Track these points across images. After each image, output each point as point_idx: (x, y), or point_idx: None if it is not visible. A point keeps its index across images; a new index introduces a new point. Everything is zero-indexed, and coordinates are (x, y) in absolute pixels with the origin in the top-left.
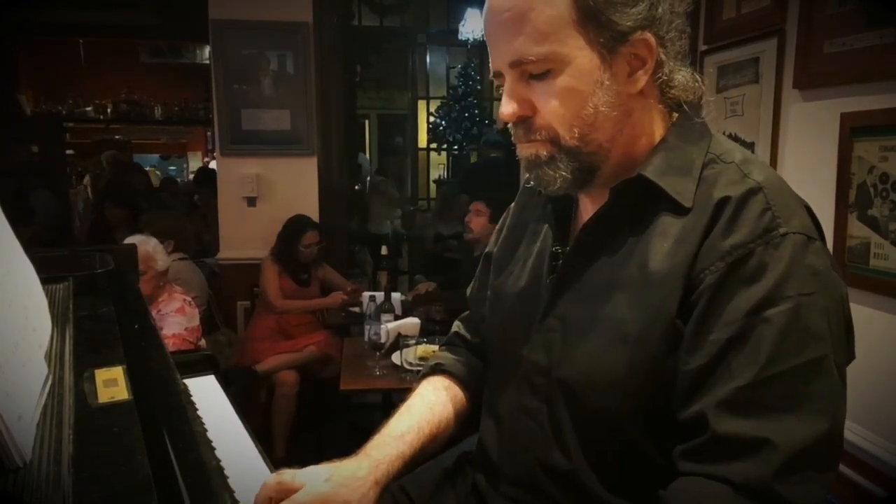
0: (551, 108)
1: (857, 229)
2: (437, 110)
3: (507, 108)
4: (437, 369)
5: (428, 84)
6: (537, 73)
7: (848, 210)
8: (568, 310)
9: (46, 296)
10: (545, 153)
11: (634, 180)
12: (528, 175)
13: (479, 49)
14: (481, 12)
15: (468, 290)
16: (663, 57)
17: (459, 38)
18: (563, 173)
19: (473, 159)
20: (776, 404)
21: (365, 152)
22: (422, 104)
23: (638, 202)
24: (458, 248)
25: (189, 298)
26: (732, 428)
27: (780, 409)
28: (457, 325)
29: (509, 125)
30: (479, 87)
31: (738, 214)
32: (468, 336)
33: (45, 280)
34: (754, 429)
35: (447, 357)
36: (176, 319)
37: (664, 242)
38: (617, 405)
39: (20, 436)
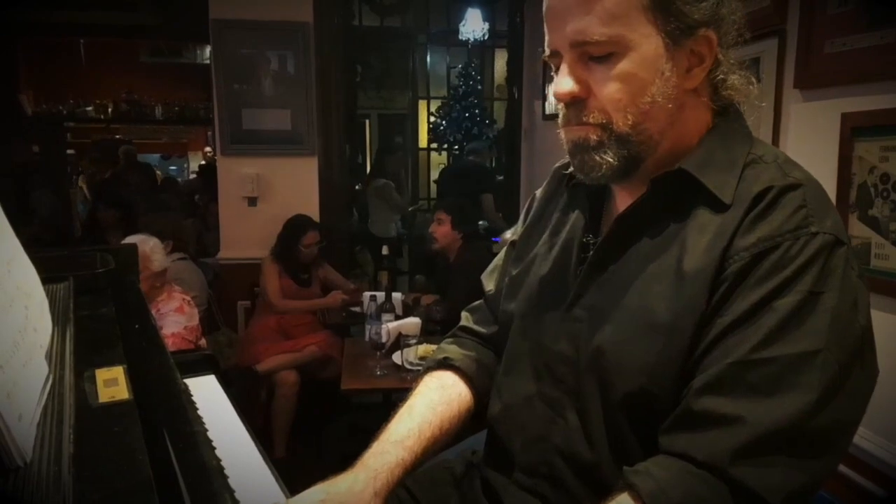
0: (609, 93)
1: (858, 229)
2: (437, 110)
3: (563, 86)
4: (444, 364)
5: (428, 84)
6: (599, 54)
7: (848, 210)
8: (596, 300)
9: (47, 295)
10: (594, 138)
11: (675, 173)
12: (571, 160)
13: (479, 49)
14: (481, 13)
15: (486, 281)
16: (721, 57)
17: (460, 38)
18: (610, 160)
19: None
20: (758, 386)
21: (365, 152)
22: (422, 104)
23: (676, 196)
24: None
25: (188, 298)
26: (708, 403)
27: (761, 392)
28: (465, 317)
29: (559, 106)
30: (479, 87)
31: (773, 207)
32: (480, 328)
33: (46, 280)
34: (729, 406)
35: (455, 351)
36: (175, 319)
37: (702, 238)
38: (647, 394)
39: (20, 436)
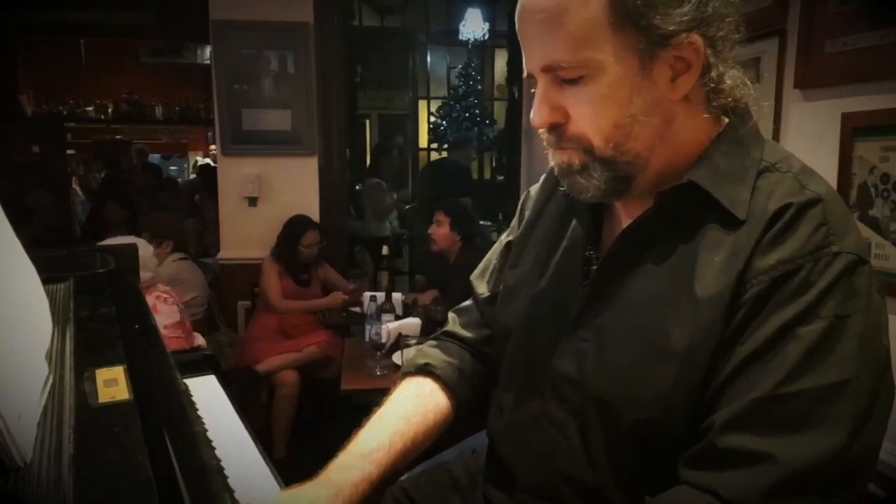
0: (585, 117)
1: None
2: (437, 110)
3: (538, 115)
4: (423, 370)
5: (428, 84)
6: (570, 78)
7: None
8: (603, 320)
9: (47, 296)
10: (578, 162)
11: (683, 187)
12: (561, 181)
13: (479, 49)
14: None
15: (478, 283)
16: (712, 60)
17: (460, 38)
18: (596, 182)
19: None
20: (787, 422)
21: (365, 152)
22: (422, 104)
23: (685, 210)
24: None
25: (164, 295)
26: (735, 440)
27: (791, 427)
28: (452, 319)
29: (540, 131)
30: (479, 87)
31: (791, 227)
32: (466, 332)
33: (46, 280)
34: (758, 443)
35: (436, 356)
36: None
37: (715, 257)
38: (659, 421)
39: (20, 436)
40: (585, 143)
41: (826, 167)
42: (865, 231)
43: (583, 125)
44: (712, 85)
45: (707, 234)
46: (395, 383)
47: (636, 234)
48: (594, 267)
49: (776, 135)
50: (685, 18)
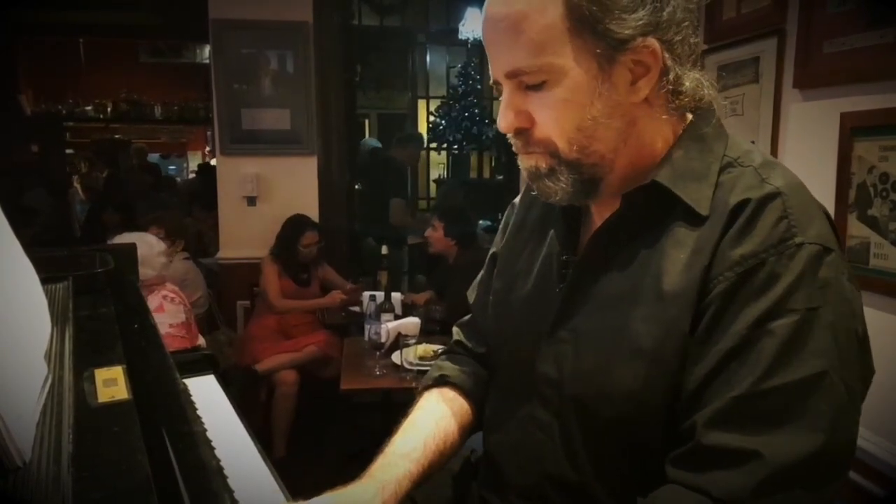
0: (549, 121)
1: (857, 229)
2: (436, 110)
3: (503, 120)
4: (440, 381)
5: (428, 84)
6: (533, 83)
7: (848, 210)
8: (580, 322)
9: (46, 295)
10: (545, 165)
11: (648, 187)
12: (532, 185)
13: (479, 49)
14: (482, 13)
15: (470, 294)
16: (669, 63)
17: (459, 37)
18: (564, 185)
19: (474, 159)
20: (769, 418)
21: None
22: (422, 104)
23: (651, 210)
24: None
25: (170, 294)
26: (720, 439)
27: (773, 423)
28: (456, 332)
29: (508, 136)
30: (479, 87)
31: (753, 221)
32: (470, 344)
33: (45, 280)
34: (743, 441)
35: (450, 367)
36: (158, 319)
37: (680, 253)
38: (633, 419)
39: (20, 436)
40: (550, 146)
41: (825, 167)
42: (864, 230)
43: (547, 129)
44: (671, 87)
45: (672, 232)
46: (417, 397)
47: (606, 236)
48: (570, 272)
49: (775, 135)
50: (640, 23)
